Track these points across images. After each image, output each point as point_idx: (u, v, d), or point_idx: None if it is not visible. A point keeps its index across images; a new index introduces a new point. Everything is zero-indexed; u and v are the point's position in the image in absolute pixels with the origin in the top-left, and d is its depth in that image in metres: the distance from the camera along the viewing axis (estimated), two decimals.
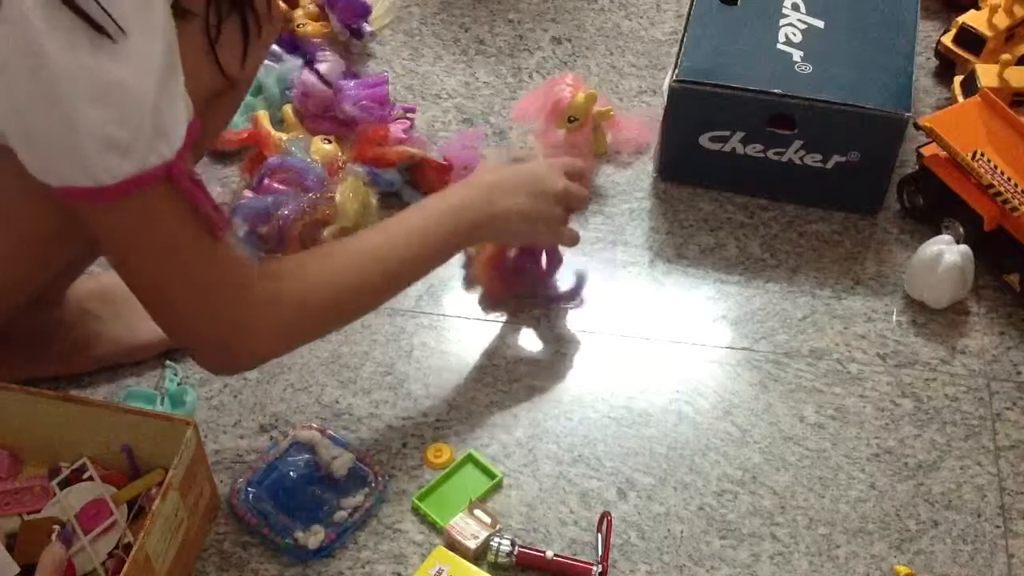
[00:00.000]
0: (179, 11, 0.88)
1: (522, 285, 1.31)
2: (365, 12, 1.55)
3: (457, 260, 1.34)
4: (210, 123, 0.99)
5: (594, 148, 1.45)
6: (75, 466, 1.09)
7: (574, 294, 1.32)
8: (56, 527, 1.04)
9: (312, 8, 1.56)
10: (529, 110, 1.45)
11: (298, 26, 1.53)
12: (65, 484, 1.08)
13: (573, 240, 1.26)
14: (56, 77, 0.80)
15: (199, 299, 0.97)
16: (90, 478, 1.08)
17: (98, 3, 0.80)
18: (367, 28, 1.56)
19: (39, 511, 1.07)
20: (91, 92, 0.81)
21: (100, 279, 1.28)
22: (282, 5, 1.54)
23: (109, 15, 0.80)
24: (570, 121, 1.40)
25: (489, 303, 1.31)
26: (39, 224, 0.96)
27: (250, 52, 0.99)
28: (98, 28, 0.80)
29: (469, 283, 1.33)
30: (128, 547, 1.03)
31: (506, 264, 1.29)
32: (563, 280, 1.32)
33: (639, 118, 1.49)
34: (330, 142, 1.40)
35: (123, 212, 0.88)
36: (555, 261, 1.30)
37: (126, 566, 0.95)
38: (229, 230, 0.96)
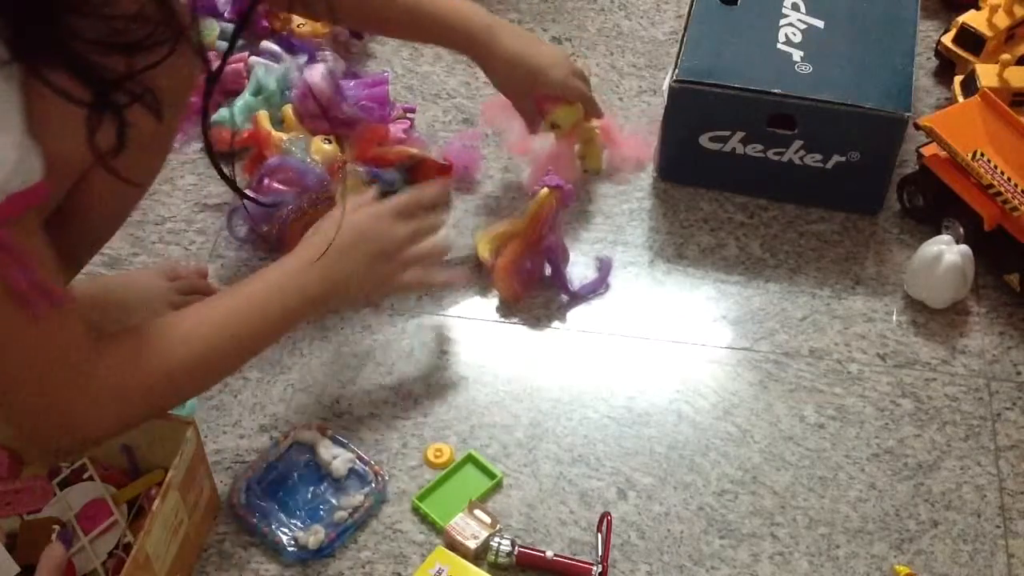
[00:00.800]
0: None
1: (538, 285, 1.32)
2: None
3: (470, 265, 1.34)
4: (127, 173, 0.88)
5: (586, 164, 1.44)
6: (75, 466, 1.09)
7: (598, 284, 1.33)
8: (56, 527, 1.04)
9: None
10: (498, 114, 1.44)
11: (298, 26, 1.53)
12: (65, 484, 1.08)
13: (422, 285, 1.25)
14: None
15: (29, 379, 0.90)
16: (90, 478, 1.08)
17: None
18: None
19: (39, 511, 1.07)
20: None
21: (96, 281, 1.28)
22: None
23: None
24: (552, 127, 1.39)
25: (507, 306, 1.31)
26: None
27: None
28: None
29: (485, 289, 1.33)
30: (128, 547, 1.03)
31: (522, 268, 1.30)
32: (585, 272, 1.34)
33: (637, 136, 1.48)
34: (330, 142, 1.40)
35: None
36: (563, 259, 1.31)
37: (126, 566, 0.95)
38: (62, 305, 0.88)
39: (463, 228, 1.39)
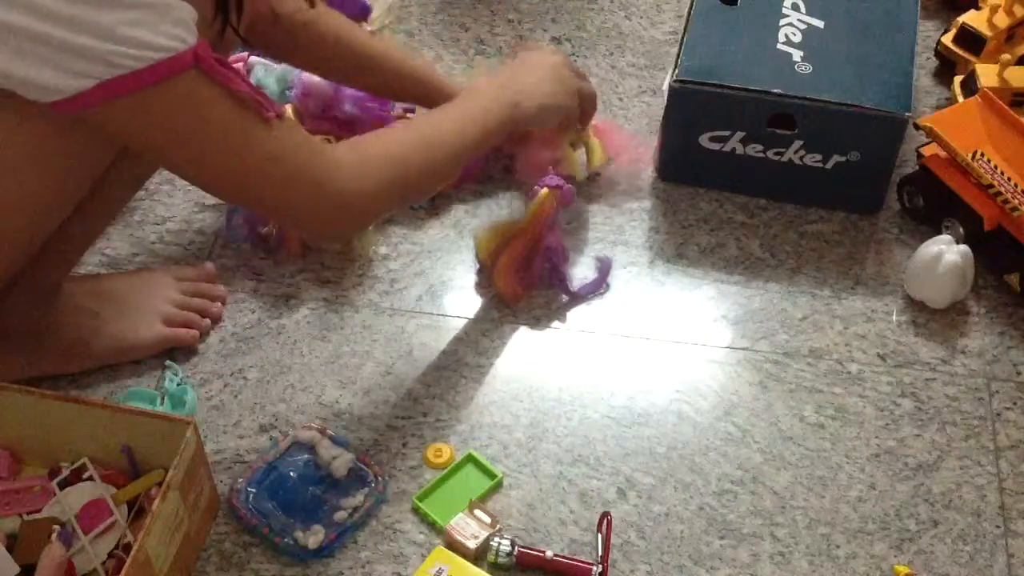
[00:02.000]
0: None
1: (539, 286, 1.32)
2: (365, 13, 1.55)
3: (470, 265, 1.34)
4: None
5: (588, 163, 1.43)
6: (75, 466, 1.09)
7: (598, 284, 1.33)
8: (56, 527, 1.05)
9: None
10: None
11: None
12: (65, 484, 1.08)
13: (590, 99, 1.36)
14: None
15: (277, 182, 0.99)
16: (90, 478, 1.08)
17: None
18: (368, 29, 1.56)
19: (39, 511, 1.07)
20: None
21: (99, 279, 1.28)
22: None
23: None
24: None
25: (507, 306, 1.31)
26: (43, 170, 0.96)
27: (245, 5, 0.98)
28: None
29: (482, 288, 1.33)
30: (128, 547, 1.03)
31: (522, 268, 1.30)
32: (585, 271, 1.34)
33: (636, 137, 1.47)
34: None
35: (160, 103, 0.90)
36: (563, 258, 1.31)
37: (126, 566, 0.95)
38: (282, 112, 0.97)
39: (463, 228, 1.39)
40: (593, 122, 1.42)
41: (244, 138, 0.96)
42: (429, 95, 1.32)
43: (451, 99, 1.27)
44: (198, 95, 0.92)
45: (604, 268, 1.34)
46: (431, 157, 1.13)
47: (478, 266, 1.34)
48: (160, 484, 1.05)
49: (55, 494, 1.08)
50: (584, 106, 1.36)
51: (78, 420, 1.07)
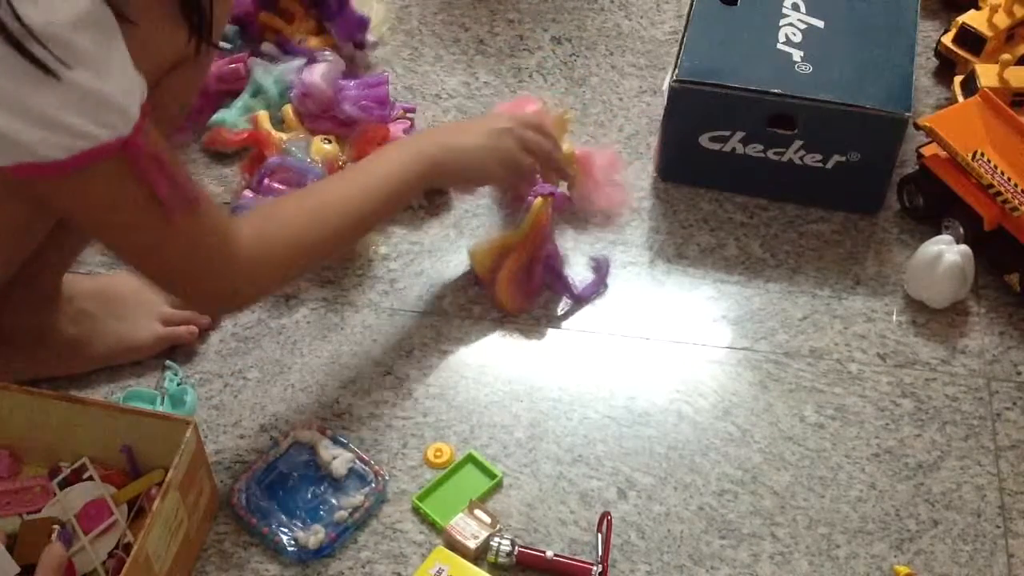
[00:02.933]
0: None
1: (540, 293, 1.32)
2: (363, 25, 1.54)
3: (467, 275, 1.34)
4: (177, 91, 1.01)
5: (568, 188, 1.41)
6: (75, 466, 1.09)
7: (598, 283, 1.33)
8: (56, 527, 1.04)
9: (311, 23, 1.55)
10: None
11: (298, 41, 1.52)
12: (65, 484, 1.08)
13: (528, 171, 1.29)
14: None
15: (184, 262, 1.00)
16: (90, 478, 1.08)
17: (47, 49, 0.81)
18: (370, 39, 1.55)
19: (39, 511, 1.07)
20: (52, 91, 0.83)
21: (97, 279, 1.28)
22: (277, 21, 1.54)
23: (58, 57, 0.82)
24: None
25: (510, 318, 1.31)
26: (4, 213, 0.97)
27: (216, 15, 0.98)
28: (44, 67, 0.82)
29: (486, 300, 1.32)
30: (128, 547, 1.03)
31: (523, 279, 1.30)
32: (585, 273, 1.34)
33: (619, 188, 1.42)
34: (330, 142, 1.40)
35: (80, 186, 0.90)
36: (560, 263, 1.31)
37: (126, 566, 0.95)
38: (199, 204, 0.97)
39: (463, 228, 1.39)
40: (576, 151, 1.40)
41: (156, 224, 0.95)
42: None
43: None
44: (117, 182, 0.91)
45: (602, 268, 1.34)
46: (334, 227, 1.13)
47: (475, 280, 1.33)
48: (160, 484, 1.05)
49: (55, 494, 1.08)
50: (532, 149, 1.28)
51: (78, 420, 1.07)
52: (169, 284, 1.06)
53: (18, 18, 0.79)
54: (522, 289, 1.30)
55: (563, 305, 1.32)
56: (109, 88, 0.85)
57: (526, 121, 1.29)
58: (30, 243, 1.06)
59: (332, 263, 1.33)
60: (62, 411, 1.07)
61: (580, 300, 1.32)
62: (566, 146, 1.38)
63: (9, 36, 0.80)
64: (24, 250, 1.06)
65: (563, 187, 1.39)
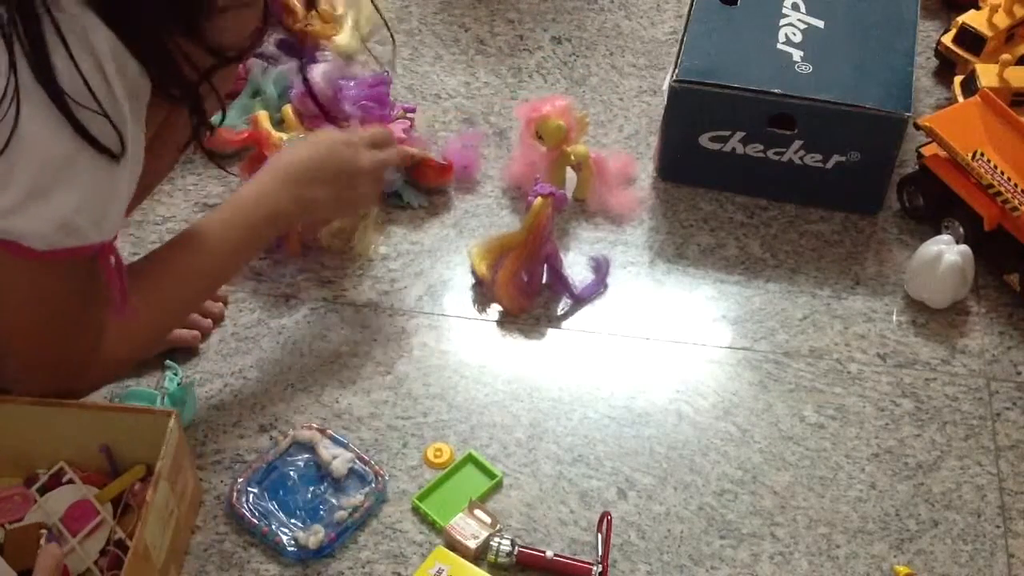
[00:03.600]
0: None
1: (539, 293, 1.31)
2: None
3: (466, 275, 1.34)
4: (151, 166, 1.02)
5: (575, 191, 1.41)
6: (52, 471, 1.08)
7: (598, 284, 1.33)
8: (43, 532, 1.04)
9: (326, 8, 1.55)
10: (521, 114, 1.43)
11: (306, 25, 1.51)
12: (44, 490, 1.07)
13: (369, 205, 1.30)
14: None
15: (55, 350, 1.01)
16: (69, 481, 1.07)
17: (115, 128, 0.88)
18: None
19: (21, 519, 1.06)
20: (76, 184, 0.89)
21: None
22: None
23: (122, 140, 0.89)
24: (537, 137, 1.39)
25: (509, 319, 1.31)
26: None
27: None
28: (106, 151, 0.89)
29: (485, 300, 1.32)
30: (119, 543, 1.03)
31: (523, 279, 1.29)
32: (585, 273, 1.34)
33: (630, 193, 1.43)
34: None
35: (37, 271, 0.93)
36: (559, 263, 1.31)
37: (128, 558, 0.95)
38: (124, 313, 0.99)
39: (463, 228, 1.39)
40: (592, 154, 1.40)
41: (72, 317, 0.99)
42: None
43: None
44: (65, 277, 0.96)
45: (602, 268, 1.34)
46: (185, 298, 1.14)
47: (475, 281, 1.33)
48: (143, 480, 1.05)
49: (36, 500, 1.06)
50: (383, 170, 1.26)
51: (53, 423, 1.06)
52: (23, 360, 1.04)
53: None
54: (522, 289, 1.30)
55: (563, 305, 1.32)
56: (121, 192, 0.92)
57: (375, 139, 1.24)
58: None
59: (329, 264, 1.33)
60: (36, 415, 1.06)
61: (580, 300, 1.32)
62: (581, 148, 1.39)
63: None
64: None
65: (574, 189, 1.41)
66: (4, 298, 0.97)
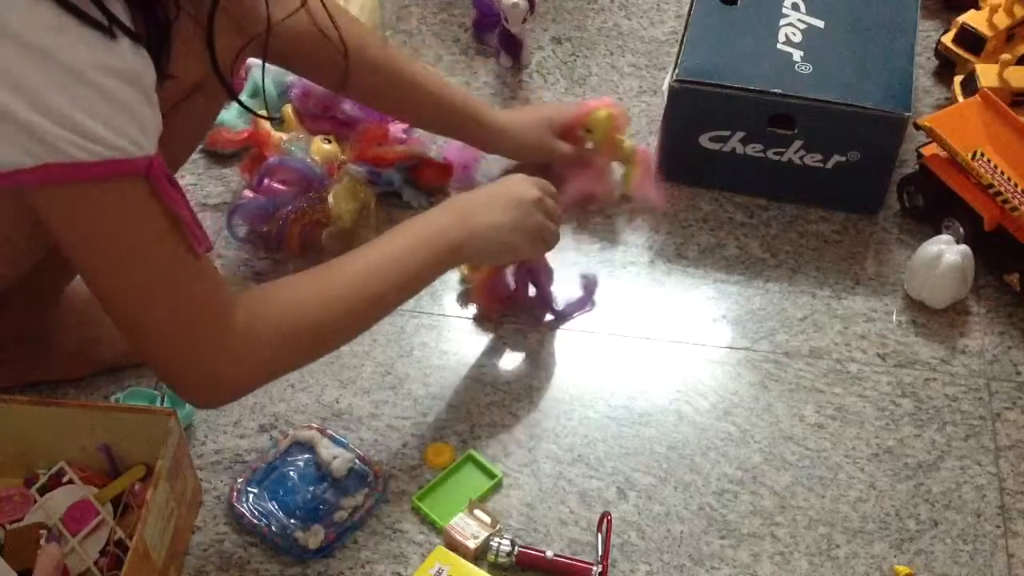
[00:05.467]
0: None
1: (520, 304, 1.30)
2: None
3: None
4: (179, 134, 0.98)
5: (618, 186, 1.42)
6: (53, 471, 1.08)
7: (583, 302, 1.31)
8: (43, 532, 1.04)
9: None
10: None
11: None
12: (44, 490, 1.07)
13: (555, 240, 1.22)
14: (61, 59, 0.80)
15: (175, 317, 0.92)
16: (70, 481, 1.07)
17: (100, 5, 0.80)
18: None
19: (21, 519, 1.06)
20: (88, 75, 0.81)
21: None
22: None
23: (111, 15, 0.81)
24: (587, 132, 1.39)
25: (485, 320, 1.31)
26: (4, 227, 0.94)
27: (218, 52, 0.95)
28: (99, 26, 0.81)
29: (466, 300, 1.32)
30: (119, 543, 1.03)
31: (500, 285, 1.28)
32: (570, 288, 1.31)
33: (662, 186, 1.43)
34: (330, 142, 1.40)
35: (96, 200, 0.85)
36: (547, 277, 1.28)
37: (128, 558, 0.95)
38: (210, 250, 0.93)
39: None
40: (638, 147, 1.41)
41: (163, 262, 0.90)
42: (472, 134, 1.34)
43: (494, 133, 1.29)
44: (137, 204, 0.87)
45: (590, 286, 1.31)
46: (342, 311, 1.03)
47: (461, 280, 1.33)
48: (143, 479, 1.05)
49: (36, 501, 1.07)
50: (544, 247, 1.22)
51: (54, 423, 1.06)
52: (149, 346, 0.95)
53: None
54: (495, 295, 1.28)
55: (562, 305, 1.32)
56: (139, 107, 0.84)
57: (547, 187, 1.21)
58: (32, 256, 1.03)
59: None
60: (36, 415, 1.06)
61: (561, 317, 1.30)
62: (627, 142, 1.41)
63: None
64: (25, 263, 1.04)
65: (619, 184, 1.41)
66: (90, 259, 0.90)
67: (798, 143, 1.37)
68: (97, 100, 0.81)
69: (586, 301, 1.32)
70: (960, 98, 1.46)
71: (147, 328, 0.93)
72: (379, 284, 1.06)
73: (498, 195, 1.17)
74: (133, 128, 0.84)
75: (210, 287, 0.94)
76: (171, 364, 0.95)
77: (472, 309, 1.31)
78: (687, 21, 1.42)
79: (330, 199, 1.31)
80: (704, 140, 1.39)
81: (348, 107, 1.43)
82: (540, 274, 1.27)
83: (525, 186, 1.18)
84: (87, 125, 0.81)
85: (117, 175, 0.84)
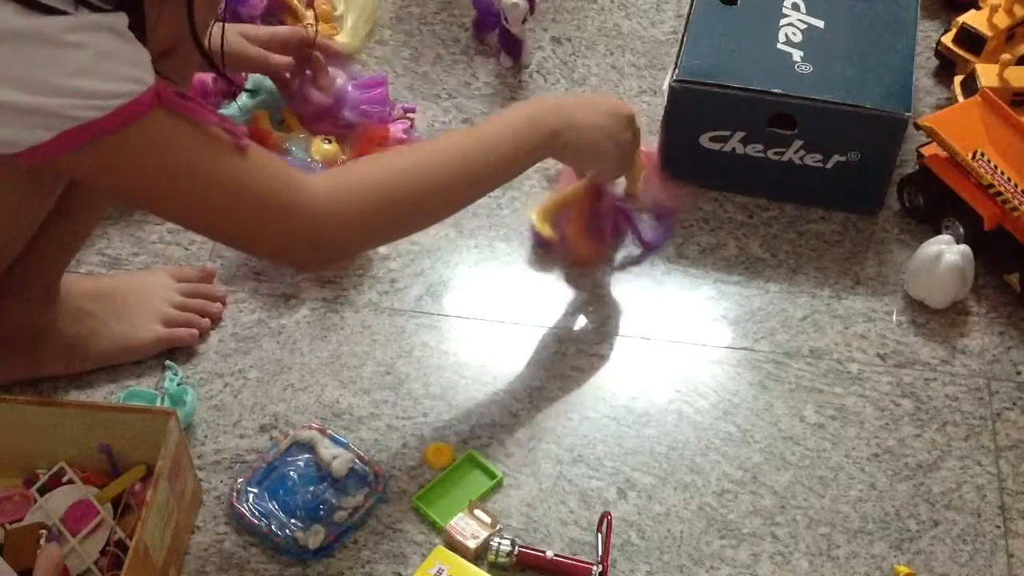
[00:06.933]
0: None
1: (618, 242, 1.34)
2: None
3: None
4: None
5: (626, 188, 1.40)
6: (53, 471, 1.08)
7: (669, 228, 1.36)
8: (43, 532, 1.04)
9: (326, 8, 1.55)
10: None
11: (307, 25, 1.51)
12: (44, 490, 1.07)
13: (631, 166, 1.26)
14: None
15: (258, 208, 0.95)
16: (69, 481, 1.07)
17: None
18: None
19: (21, 519, 1.06)
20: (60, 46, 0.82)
21: (98, 279, 1.29)
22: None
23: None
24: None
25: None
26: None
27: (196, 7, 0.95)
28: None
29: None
30: (119, 543, 1.03)
31: (593, 229, 1.30)
32: (647, 226, 1.36)
33: (668, 185, 1.42)
34: (330, 142, 1.40)
35: (123, 147, 0.87)
36: (630, 210, 1.33)
37: (128, 558, 0.95)
38: (247, 141, 0.93)
39: (463, 228, 1.39)
40: (642, 148, 1.40)
41: (212, 168, 0.92)
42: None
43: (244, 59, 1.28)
44: (163, 133, 0.89)
45: (669, 215, 1.35)
46: (426, 185, 1.05)
47: (537, 245, 1.34)
48: (143, 480, 1.05)
49: (36, 500, 1.07)
50: (623, 169, 1.27)
51: (53, 423, 1.06)
52: (238, 238, 0.99)
53: None
54: (595, 236, 1.30)
55: (563, 305, 1.32)
56: (122, 47, 0.85)
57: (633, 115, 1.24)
58: (28, 227, 1.05)
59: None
60: (36, 415, 1.06)
61: (651, 248, 1.34)
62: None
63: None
64: (22, 235, 1.05)
65: (625, 186, 1.40)
66: (149, 197, 0.93)
67: (798, 143, 1.37)
68: (82, 57, 0.83)
69: (672, 226, 1.35)
70: (960, 98, 1.46)
71: (241, 232, 0.97)
72: (471, 161, 1.07)
73: (593, 101, 1.21)
74: (126, 67, 0.85)
75: (276, 169, 0.97)
76: (274, 246, 0.99)
77: (470, 308, 1.31)
78: (687, 21, 1.42)
79: None
80: (704, 140, 1.39)
81: (347, 113, 1.43)
82: (626, 208, 1.31)
83: (619, 101, 1.22)
84: (83, 85, 0.83)
85: (133, 118, 0.86)
